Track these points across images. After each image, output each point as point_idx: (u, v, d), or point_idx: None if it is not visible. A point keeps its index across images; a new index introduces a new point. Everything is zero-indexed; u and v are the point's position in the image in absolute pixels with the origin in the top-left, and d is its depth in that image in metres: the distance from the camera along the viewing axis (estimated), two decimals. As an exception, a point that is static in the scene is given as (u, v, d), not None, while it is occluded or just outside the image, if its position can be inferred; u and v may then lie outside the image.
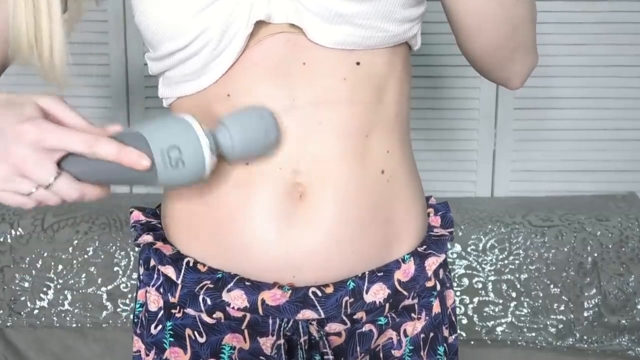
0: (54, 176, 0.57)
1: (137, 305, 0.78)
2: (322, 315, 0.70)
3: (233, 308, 0.70)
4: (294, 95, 0.67)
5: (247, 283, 0.69)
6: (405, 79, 0.73)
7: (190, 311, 0.72)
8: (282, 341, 0.70)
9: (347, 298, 0.70)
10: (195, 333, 0.72)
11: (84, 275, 1.60)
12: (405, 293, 0.73)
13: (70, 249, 1.60)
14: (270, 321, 0.70)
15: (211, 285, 0.70)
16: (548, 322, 1.59)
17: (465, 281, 1.60)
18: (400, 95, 0.72)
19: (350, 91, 0.68)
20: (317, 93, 0.67)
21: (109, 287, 1.60)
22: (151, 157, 0.58)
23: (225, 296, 0.69)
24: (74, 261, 1.60)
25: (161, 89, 0.74)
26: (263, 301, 0.69)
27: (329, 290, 0.69)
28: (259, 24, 0.65)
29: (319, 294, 0.69)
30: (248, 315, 0.70)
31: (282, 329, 0.70)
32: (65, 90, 0.66)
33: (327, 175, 0.68)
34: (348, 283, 0.70)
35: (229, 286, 0.69)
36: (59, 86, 0.65)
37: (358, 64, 0.68)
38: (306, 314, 0.69)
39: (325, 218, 0.68)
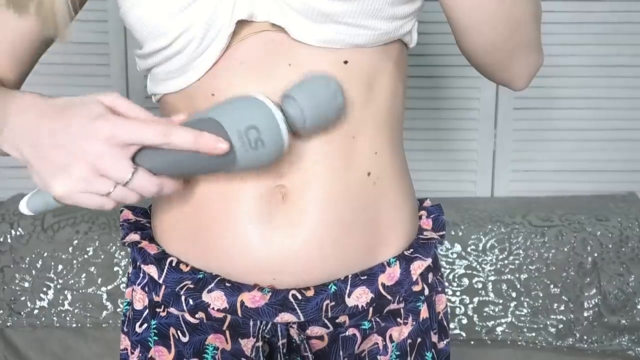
0: (131, 172, 0.56)
1: (125, 304, 0.78)
2: (302, 319, 0.69)
3: (213, 309, 0.69)
4: (277, 95, 0.65)
5: (227, 284, 0.68)
6: (398, 77, 0.72)
7: (173, 310, 0.72)
8: (260, 343, 0.69)
9: (328, 301, 0.69)
10: (179, 332, 0.72)
11: (84, 275, 1.60)
12: (390, 297, 0.71)
13: (70, 249, 1.60)
14: (251, 323, 0.69)
15: (192, 286, 0.69)
16: (548, 322, 1.59)
17: (465, 281, 1.60)
18: (392, 95, 0.71)
19: None
20: None
21: (109, 287, 1.60)
22: (229, 141, 0.56)
23: (205, 297, 0.69)
24: (74, 261, 1.60)
25: (149, 85, 0.73)
26: (242, 303, 0.68)
27: (310, 293, 0.68)
28: (242, 23, 0.64)
29: (299, 297, 0.68)
30: (229, 317, 0.70)
31: (260, 330, 0.69)
32: (66, 41, 0.65)
33: (310, 177, 0.66)
34: (329, 286, 0.69)
35: (209, 287, 0.69)
36: (60, 35, 0.64)
37: (346, 62, 0.66)
38: (285, 317, 0.68)
39: (307, 220, 0.66)
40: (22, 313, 1.61)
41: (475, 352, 1.60)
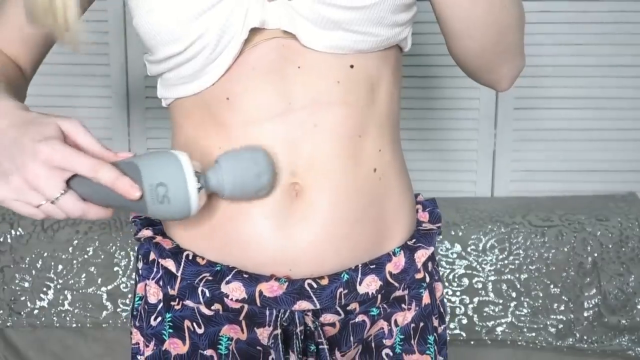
0: (60, 192, 0.62)
1: (137, 299, 0.80)
2: (318, 306, 0.72)
3: (231, 299, 0.72)
4: (290, 99, 0.69)
5: (245, 275, 0.72)
6: (395, 80, 0.76)
7: (189, 303, 0.75)
8: (279, 331, 0.72)
9: (341, 289, 0.73)
10: (194, 324, 0.75)
11: (84, 275, 1.60)
12: (397, 284, 0.76)
13: (70, 249, 1.60)
14: (267, 312, 0.73)
15: (210, 278, 0.72)
16: (548, 322, 1.59)
17: (465, 281, 1.60)
18: (391, 96, 0.75)
19: (344, 93, 0.70)
20: (312, 96, 0.70)
21: (109, 287, 1.60)
22: (142, 190, 0.61)
23: (224, 288, 0.72)
24: (74, 261, 1.60)
25: (160, 89, 0.77)
26: (261, 293, 0.71)
27: (324, 282, 0.72)
28: (254, 30, 0.68)
29: (315, 285, 0.72)
30: (246, 307, 0.73)
31: (278, 319, 0.72)
32: (81, 49, 0.71)
33: (322, 175, 0.70)
34: (342, 275, 0.73)
35: (227, 278, 0.72)
36: (74, 46, 0.69)
37: (352, 67, 0.70)
38: (302, 304, 0.72)
39: (320, 215, 0.71)
40: (22, 313, 1.61)
41: (475, 352, 1.60)
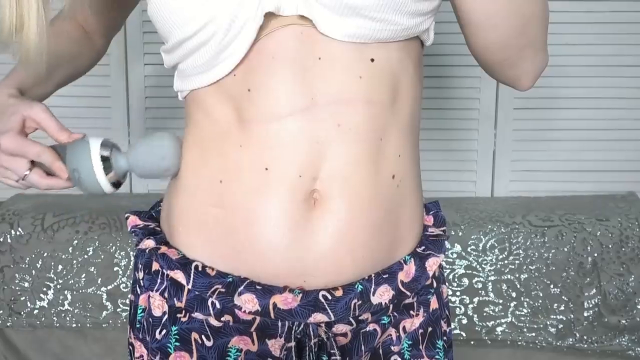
0: (25, 171, 0.74)
1: (139, 311, 0.77)
2: (332, 318, 0.70)
3: (244, 312, 0.70)
4: (312, 93, 0.66)
5: (257, 287, 0.69)
6: (418, 78, 0.73)
7: (197, 315, 0.72)
8: (293, 344, 0.70)
9: (355, 301, 0.71)
10: (202, 337, 0.72)
11: (84, 275, 1.60)
12: (408, 293, 0.74)
13: (70, 249, 1.60)
14: (280, 323, 0.71)
15: (223, 290, 0.70)
16: (548, 322, 1.59)
17: (465, 281, 1.60)
18: (413, 96, 0.72)
19: (366, 90, 0.67)
20: (336, 91, 0.66)
21: (109, 287, 1.60)
22: (68, 172, 0.73)
23: (236, 300, 0.70)
24: (74, 261, 1.60)
25: (176, 82, 0.74)
26: (275, 305, 0.69)
27: (339, 293, 0.70)
28: (269, 16, 0.65)
29: (329, 297, 0.70)
30: (258, 318, 0.71)
31: (292, 331, 0.71)
32: (42, 73, 0.79)
33: (343, 181, 0.68)
34: (356, 286, 0.71)
35: (239, 290, 0.69)
36: (33, 70, 0.78)
37: (372, 60, 0.67)
38: (317, 317, 0.70)
39: (339, 224, 0.68)
40: (22, 313, 1.61)
41: (475, 352, 1.59)
